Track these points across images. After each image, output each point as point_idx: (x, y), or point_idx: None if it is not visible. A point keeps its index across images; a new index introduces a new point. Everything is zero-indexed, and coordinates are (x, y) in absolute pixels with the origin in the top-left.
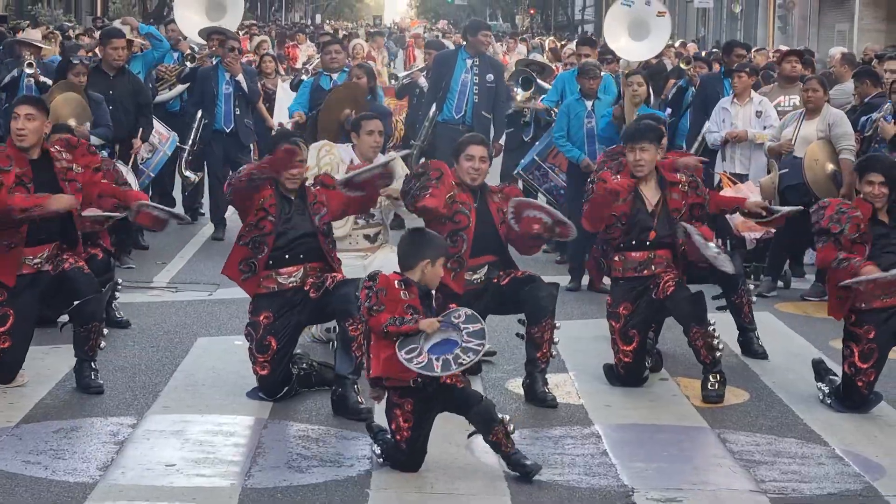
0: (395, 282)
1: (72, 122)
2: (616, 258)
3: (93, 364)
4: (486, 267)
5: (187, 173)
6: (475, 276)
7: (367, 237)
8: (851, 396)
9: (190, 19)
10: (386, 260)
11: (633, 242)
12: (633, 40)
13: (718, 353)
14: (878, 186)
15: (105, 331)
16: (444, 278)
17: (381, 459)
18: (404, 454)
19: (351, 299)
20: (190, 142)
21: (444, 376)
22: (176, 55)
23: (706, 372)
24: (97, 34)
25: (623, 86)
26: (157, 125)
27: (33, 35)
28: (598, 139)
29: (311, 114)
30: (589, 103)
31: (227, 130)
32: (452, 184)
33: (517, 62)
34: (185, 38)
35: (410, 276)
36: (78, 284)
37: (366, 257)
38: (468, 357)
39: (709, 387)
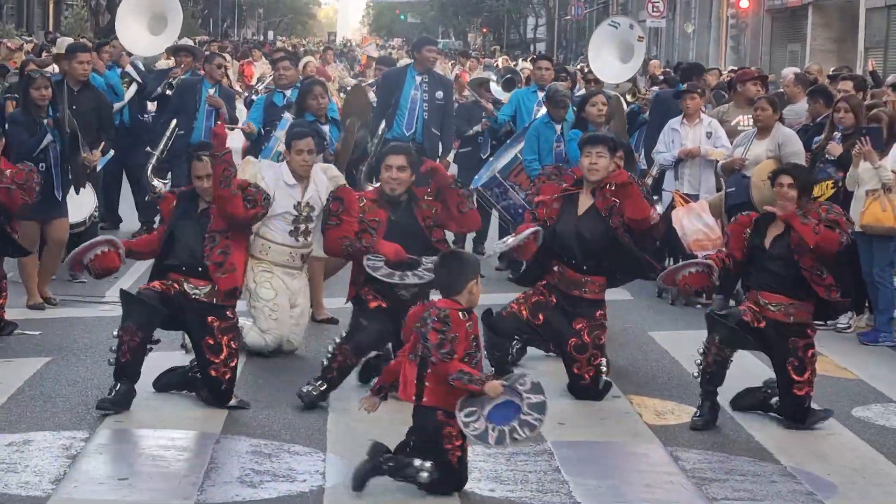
0: (459, 313)
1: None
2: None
3: None
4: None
5: (155, 182)
6: (404, 293)
7: (302, 257)
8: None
9: (134, 34)
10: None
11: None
12: (617, 61)
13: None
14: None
15: None
16: None
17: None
18: (458, 472)
19: None
20: (160, 149)
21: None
22: (120, 70)
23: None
24: (53, 49)
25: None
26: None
27: None
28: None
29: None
30: (558, 127)
31: None
32: (359, 207)
33: (469, 81)
34: (129, 54)
35: (459, 299)
36: None
37: (293, 276)
38: (524, 433)
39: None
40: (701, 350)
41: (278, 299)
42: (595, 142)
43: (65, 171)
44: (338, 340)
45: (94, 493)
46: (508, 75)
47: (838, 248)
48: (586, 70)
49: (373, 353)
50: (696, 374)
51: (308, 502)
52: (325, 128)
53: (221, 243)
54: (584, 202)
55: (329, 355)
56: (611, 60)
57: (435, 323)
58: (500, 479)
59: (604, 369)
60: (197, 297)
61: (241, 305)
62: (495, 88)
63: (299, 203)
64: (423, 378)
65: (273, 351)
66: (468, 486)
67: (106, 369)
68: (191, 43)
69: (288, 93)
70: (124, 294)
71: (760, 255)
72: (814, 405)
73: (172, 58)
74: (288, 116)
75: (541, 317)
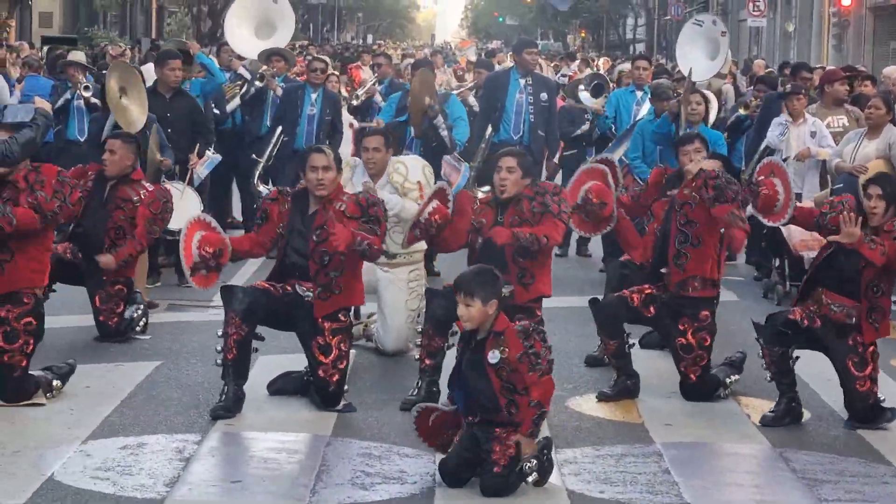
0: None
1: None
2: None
3: None
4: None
5: (260, 188)
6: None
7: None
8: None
9: (242, 39)
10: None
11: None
12: (706, 59)
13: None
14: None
15: None
16: None
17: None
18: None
19: None
20: (266, 157)
21: None
22: (229, 75)
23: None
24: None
25: (683, 103)
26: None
27: (78, 57)
28: (653, 137)
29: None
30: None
31: None
32: (472, 209)
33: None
34: (240, 58)
35: None
36: None
37: (387, 271)
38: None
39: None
40: (759, 354)
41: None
42: (690, 141)
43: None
44: (419, 329)
45: (208, 496)
46: (596, 81)
47: None
48: (676, 71)
49: None
50: (768, 378)
51: (423, 501)
52: (444, 133)
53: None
54: None
55: (417, 347)
56: (700, 58)
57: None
58: (609, 481)
59: (729, 381)
60: (308, 298)
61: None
62: (584, 96)
63: None
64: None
65: (386, 352)
66: (578, 488)
67: (216, 372)
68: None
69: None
70: (224, 288)
71: (835, 254)
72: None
73: (264, 64)
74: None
75: (652, 309)
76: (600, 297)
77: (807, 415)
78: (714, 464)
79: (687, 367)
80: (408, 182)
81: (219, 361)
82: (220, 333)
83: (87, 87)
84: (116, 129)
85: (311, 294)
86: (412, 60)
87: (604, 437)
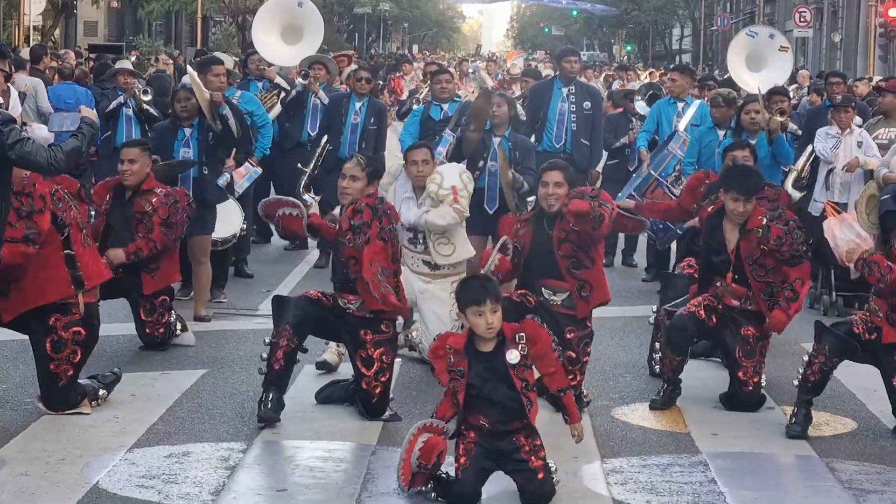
0: (446, 346)
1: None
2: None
3: None
4: (568, 293)
5: (305, 196)
6: (553, 298)
7: (427, 264)
8: None
9: (270, 45)
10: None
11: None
12: (749, 71)
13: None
14: None
15: None
16: None
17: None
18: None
19: None
20: (311, 166)
21: None
22: (261, 83)
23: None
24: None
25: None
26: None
27: (125, 65)
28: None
29: (457, 134)
30: (721, 133)
31: None
32: (512, 231)
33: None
34: (270, 65)
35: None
36: None
37: (427, 282)
38: None
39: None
40: (806, 358)
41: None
42: (737, 188)
43: (201, 187)
44: None
45: None
46: (651, 91)
47: None
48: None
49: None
50: (795, 383)
51: None
52: (496, 140)
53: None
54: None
55: None
56: (748, 71)
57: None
58: (655, 491)
59: (763, 383)
60: (350, 311)
61: None
62: (640, 105)
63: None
64: None
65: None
66: (624, 497)
67: (260, 381)
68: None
69: (446, 106)
70: (276, 298)
71: None
72: None
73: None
74: (448, 134)
75: (714, 319)
76: (668, 308)
77: (853, 425)
78: (760, 474)
79: (747, 374)
80: (442, 189)
81: (262, 370)
82: (267, 341)
83: (145, 92)
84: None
85: (352, 306)
86: (434, 67)
87: (650, 446)
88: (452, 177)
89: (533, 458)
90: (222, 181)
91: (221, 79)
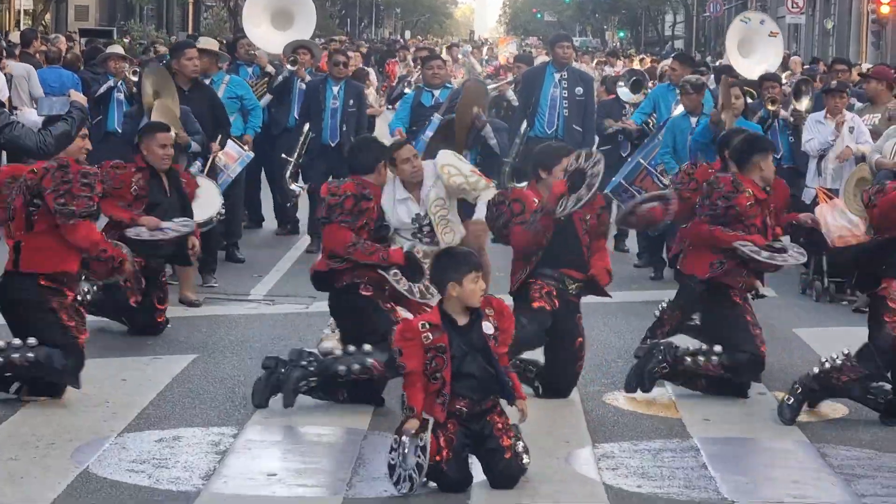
0: (419, 323)
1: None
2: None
3: None
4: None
5: (293, 186)
6: (572, 287)
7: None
8: None
9: (260, 31)
10: None
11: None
12: (741, 56)
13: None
14: None
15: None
16: None
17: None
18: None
19: None
20: (296, 154)
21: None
22: (251, 69)
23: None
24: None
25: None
26: (229, 145)
27: (117, 49)
28: (691, 145)
29: (444, 119)
30: (693, 120)
31: (333, 145)
32: (533, 208)
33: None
34: (260, 49)
35: (445, 303)
36: None
37: None
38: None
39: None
40: (839, 362)
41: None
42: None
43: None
44: None
45: (244, 489)
46: (634, 77)
47: None
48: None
49: None
50: (816, 370)
51: (456, 497)
52: (492, 142)
53: None
54: None
55: None
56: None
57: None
58: (647, 476)
59: None
60: None
61: None
62: (623, 91)
63: (418, 215)
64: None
65: None
66: (615, 482)
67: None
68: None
69: (437, 92)
70: None
71: None
72: None
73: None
74: (437, 118)
75: None
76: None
77: (844, 410)
78: (752, 459)
79: None
80: (470, 177)
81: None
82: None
83: (135, 72)
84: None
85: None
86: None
87: (641, 431)
88: (461, 163)
89: (503, 436)
90: (194, 170)
91: (195, 62)
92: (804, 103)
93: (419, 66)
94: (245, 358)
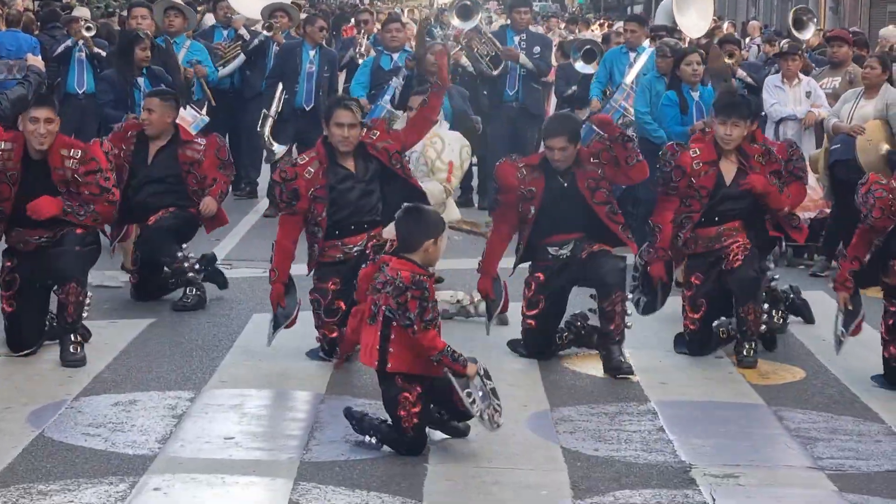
0: (426, 277)
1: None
2: (689, 236)
3: (74, 336)
4: (573, 243)
5: (274, 148)
6: (560, 252)
7: None
8: (886, 371)
9: None
10: None
11: (703, 219)
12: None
13: (763, 328)
14: None
15: (87, 300)
16: None
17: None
18: (412, 439)
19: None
20: (274, 110)
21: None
22: (227, 32)
23: (745, 340)
24: None
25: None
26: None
27: (82, 13)
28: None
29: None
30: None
31: (307, 108)
32: (516, 177)
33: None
34: (237, 14)
35: (413, 258)
36: (64, 243)
37: None
38: (496, 420)
39: (744, 353)
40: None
41: None
42: (730, 113)
43: None
44: None
45: (201, 452)
46: (587, 46)
47: None
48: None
49: None
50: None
51: (413, 461)
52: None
53: None
54: (729, 168)
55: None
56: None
57: (413, 290)
58: (604, 439)
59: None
60: None
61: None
62: (579, 65)
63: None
64: (386, 344)
65: None
66: (573, 445)
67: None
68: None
69: (396, 56)
70: None
71: None
72: None
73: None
74: (396, 82)
75: None
76: None
77: (801, 374)
78: (708, 422)
79: None
80: (440, 161)
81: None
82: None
83: (88, 28)
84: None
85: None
86: (408, 22)
87: (599, 395)
88: (453, 151)
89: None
90: None
91: (139, 21)
92: (807, 33)
93: (364, 35)
94: (203, 321)
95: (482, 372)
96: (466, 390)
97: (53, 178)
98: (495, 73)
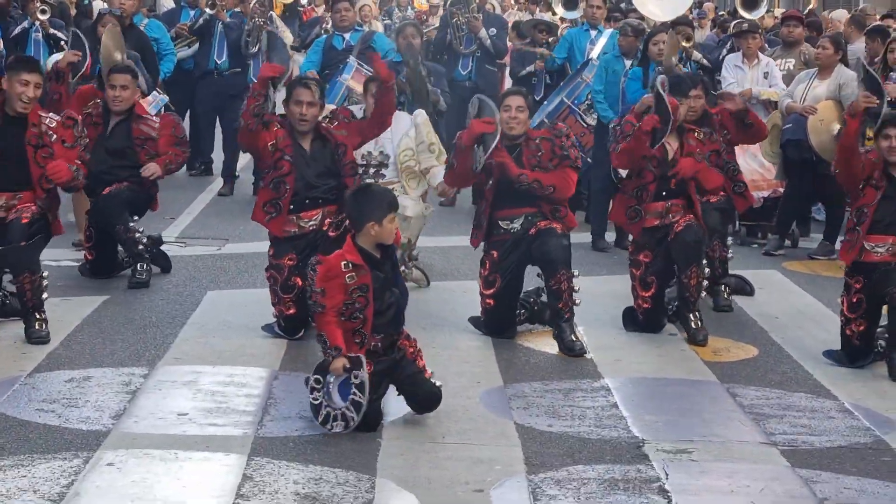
0: (342, 263)
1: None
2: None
3: (38, 314)
4: (523, 217)
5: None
6: (511, 226)
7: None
8: (844, 347)
9: None
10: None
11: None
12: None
13: (703, 294)
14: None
15: (45, 281)
16: None
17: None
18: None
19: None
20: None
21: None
22: (193, 12)
23: (686, 310)
24: None
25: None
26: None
27: None
28: (625, 86)
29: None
30: (628, 63)
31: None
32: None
33: (525, 22)
34: None
35: (360, 240)
36: (10, 234)
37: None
38: (339, 424)
39: (692, 325)
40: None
41: None
42: (685, 90)
43: None
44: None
45: (154, 429)
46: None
47: None
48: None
49: None
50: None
51: (367, 436)
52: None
53: None
54: (673, 145)
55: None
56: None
57: (310, 272)
58: (557, 415)
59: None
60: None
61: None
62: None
63: (370, 153)
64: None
65: None
66: (526, 422)
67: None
68: None
69: (347, 35)
70: None
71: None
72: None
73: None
74: (353, 61)
75: None
76: None
77: (754, 351)
78: (662, 399)
79: None
80: (437, 144)
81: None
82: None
83: (43, 10)
84: None
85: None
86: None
87: (552, 371)
88: (430, 129)
89: (417, 359)
90: None
91: (130, 3)
92: (758, 13)
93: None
94: (156, 299)
95: (358, 381)
96: (315, 375)
97: (27, 134)
98: (465, 51)
